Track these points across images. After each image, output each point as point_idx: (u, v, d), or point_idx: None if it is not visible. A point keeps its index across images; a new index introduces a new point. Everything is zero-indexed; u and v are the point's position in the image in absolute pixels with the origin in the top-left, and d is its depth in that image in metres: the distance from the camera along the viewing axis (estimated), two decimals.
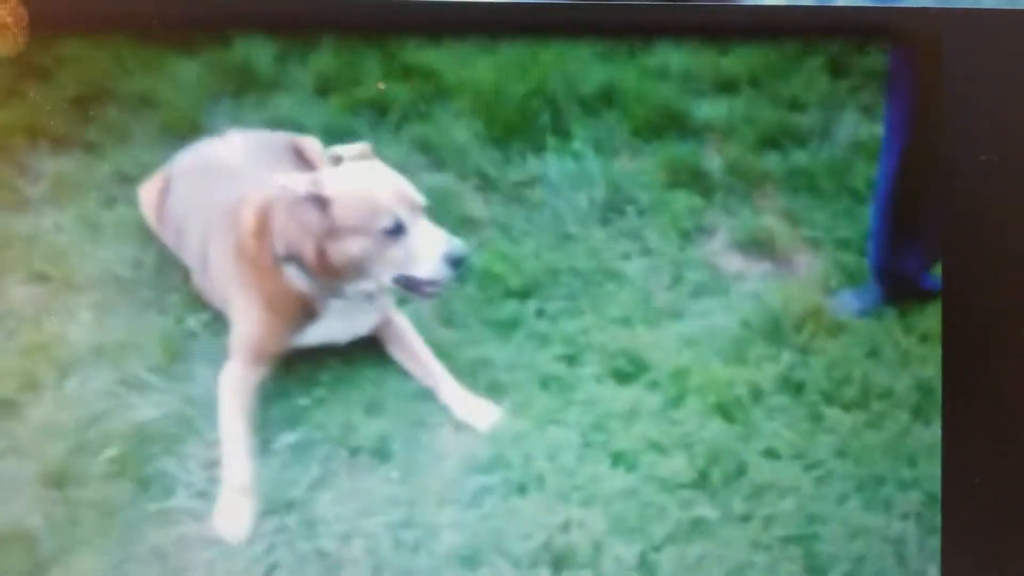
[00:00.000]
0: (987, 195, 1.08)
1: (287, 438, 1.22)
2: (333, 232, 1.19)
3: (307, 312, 1.26)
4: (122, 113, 1.65)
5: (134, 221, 1.45)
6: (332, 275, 1.22)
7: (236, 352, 1.25)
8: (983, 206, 1.08)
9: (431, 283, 1.20)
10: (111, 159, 1.57)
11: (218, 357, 1.26)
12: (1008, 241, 1.09)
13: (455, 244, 1.19)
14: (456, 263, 1.19)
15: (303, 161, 1.44)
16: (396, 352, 1.30)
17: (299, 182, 1.20)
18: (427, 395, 1.27)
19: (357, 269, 1.21)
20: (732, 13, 1.16)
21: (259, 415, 1.23)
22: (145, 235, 1.43)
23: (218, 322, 1.31)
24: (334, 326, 1.28)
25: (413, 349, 1.29)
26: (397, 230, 1.18)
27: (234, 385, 1.23)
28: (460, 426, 1.24)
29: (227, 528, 1.16)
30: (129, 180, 1.52)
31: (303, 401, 1.25)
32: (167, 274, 1.38)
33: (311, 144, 1.47)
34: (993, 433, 1.09)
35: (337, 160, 1.25)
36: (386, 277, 1.21)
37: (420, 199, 1.20)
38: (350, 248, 1.19)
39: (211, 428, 1.21)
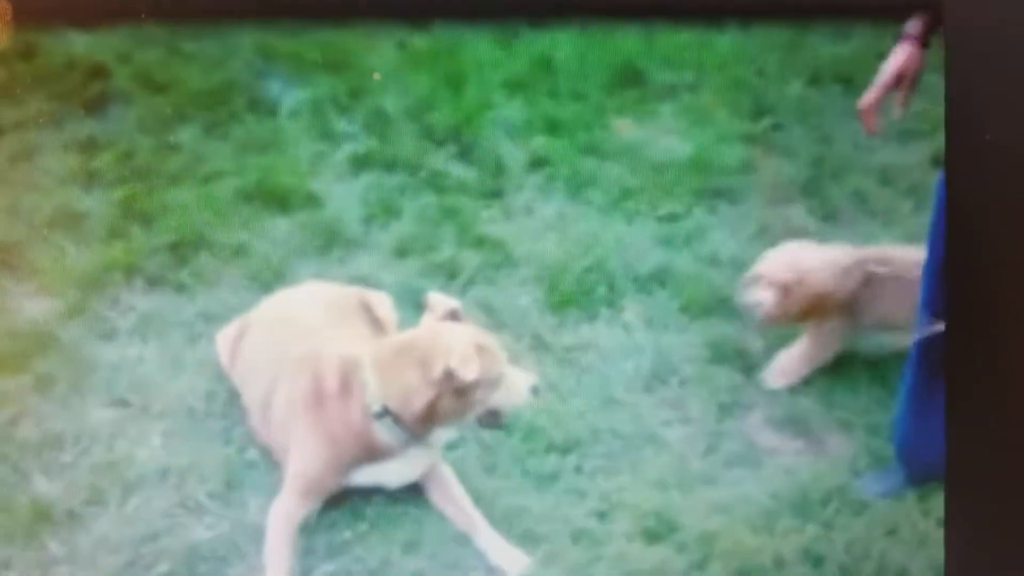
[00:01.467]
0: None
1: (327, 567, 1.26)
2: (465, 384, 1.26)
3: (372, 458, 1.30)
4: (215, 260, 1.79)
5: (213, 358, 1.54)
6: (428, 424, 1.28)
7: (290, 487, 1.30)
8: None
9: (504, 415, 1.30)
10: (199, 300, 1.71)
11: (272, 488, 1.32)
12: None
13: (534, 377, 1.30)
14: (536, 391, 1.30)
15: (372, 316, 1.53)
16: (437, 498, 1.35)
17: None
18: (464, 539, 1.30)
19: (461, 415, 1.28)
20: None
21: (304, 543, 1.28)
22: (221, 370, 1.52)
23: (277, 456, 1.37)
24: (390, 471, 1.32)
25: (454, 496, 1.34)
26: (501, 376, 1.28)
27: (283, 517, 1.28)
28: (493, 571, 1.27)
29: None
30: (214, 320, 1.64)
31: (347, 534, 1.30)
32: (237, 407, 1.46)
33: (380, 300, 1.58)
34: None
35: (436, 305, 1.34)
36: (474, 417, 1.29)
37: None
38: (473, 396, 1.26)
39: (257, 553, 1.26)
